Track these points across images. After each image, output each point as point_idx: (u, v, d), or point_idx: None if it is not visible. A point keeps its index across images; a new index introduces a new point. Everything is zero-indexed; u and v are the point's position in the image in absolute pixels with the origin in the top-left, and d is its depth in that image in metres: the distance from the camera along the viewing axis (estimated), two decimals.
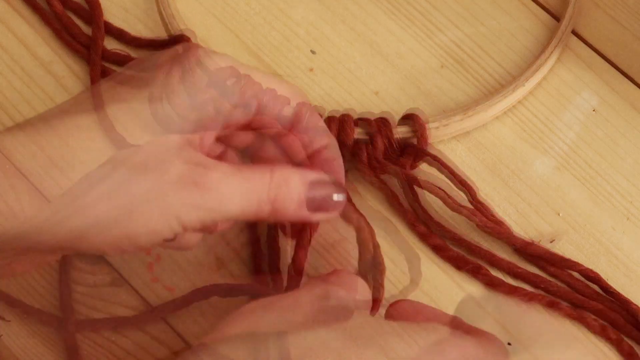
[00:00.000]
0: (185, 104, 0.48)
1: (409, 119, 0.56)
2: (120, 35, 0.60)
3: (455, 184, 0.55)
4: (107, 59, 0.59)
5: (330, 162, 0.48)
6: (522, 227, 0.55)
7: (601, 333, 0.53)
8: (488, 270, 0.54)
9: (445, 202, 0.54)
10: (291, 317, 0.43)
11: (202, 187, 0.43)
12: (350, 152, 0.55)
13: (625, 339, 0.53)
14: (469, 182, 0.55)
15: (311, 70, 0.60)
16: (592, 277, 0.53)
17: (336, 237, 0.55)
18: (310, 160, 0.48)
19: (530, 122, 0.58)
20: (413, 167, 0.56)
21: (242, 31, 0.61)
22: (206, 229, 0.46)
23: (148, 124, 0.45)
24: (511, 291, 0.53)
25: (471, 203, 0.54)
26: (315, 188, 0.46)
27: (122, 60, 0.59)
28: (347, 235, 0.55)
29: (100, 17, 0.60)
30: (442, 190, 0.54)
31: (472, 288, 0.54)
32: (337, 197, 0.47)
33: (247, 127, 0.48)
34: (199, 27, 0.60)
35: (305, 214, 0.46)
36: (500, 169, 0.57)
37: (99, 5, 0.60)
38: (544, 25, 0.61)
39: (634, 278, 0.54)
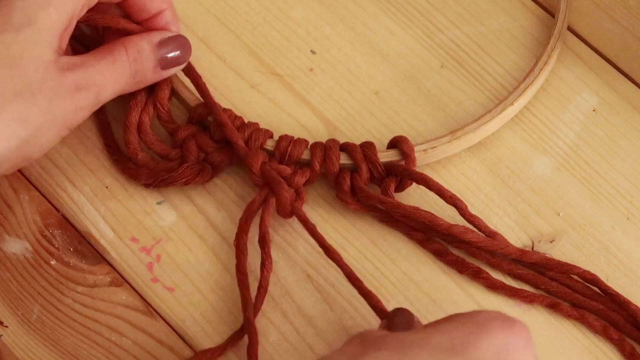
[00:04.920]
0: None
1: (397, 142, 0.55)
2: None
3: (445, 200, 0.54)
4: None
5: (168, 25, 0.55)
6: (522, 227, 0.55)
7: (602, 333, 0.53)
8: (489, 274, 0.54)
9: (435, 224, 0.53)
10: None
11: (86, 89, 0.50)
12: (334, 181, 0.54)
13: (627, 339, 0.53)
14: (458, 197, 0.54)
15: (311, 70, 0.60)
16: (590, 279, 0.53)
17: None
18: (151, 24, 0.55)
19: (530, 122, 0.58)
20: (401, 189, 0.55)
21: (242, 31, 0.60)
22: None
23: None
24: (513, 293, 0.53)
25: (463, 217, 0.54)
26: (163, 47, 0.54)
27: None
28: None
29: None
30: (430, 213, 0.53)
31: (473, 289, 0.54)
32: (183, 50, 0.55)
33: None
34: (199, 27, 0.60)
35: (160, 75, 0.54)
36: (500, 169, 0.57)
37: None
38: (543, 25, 0.61)
39: (634, 278, 0.54)
